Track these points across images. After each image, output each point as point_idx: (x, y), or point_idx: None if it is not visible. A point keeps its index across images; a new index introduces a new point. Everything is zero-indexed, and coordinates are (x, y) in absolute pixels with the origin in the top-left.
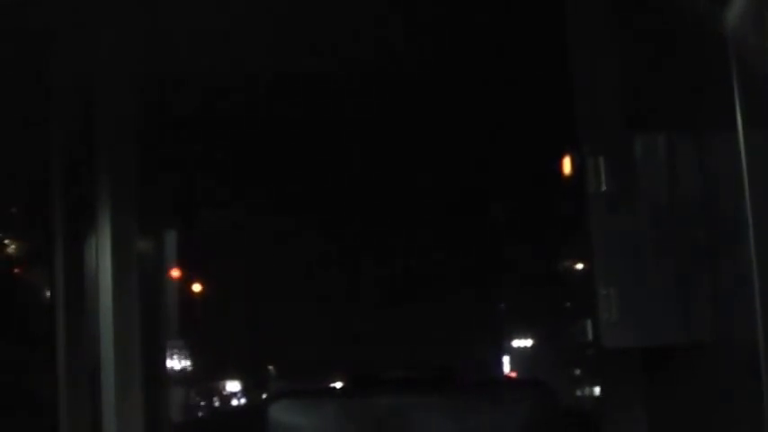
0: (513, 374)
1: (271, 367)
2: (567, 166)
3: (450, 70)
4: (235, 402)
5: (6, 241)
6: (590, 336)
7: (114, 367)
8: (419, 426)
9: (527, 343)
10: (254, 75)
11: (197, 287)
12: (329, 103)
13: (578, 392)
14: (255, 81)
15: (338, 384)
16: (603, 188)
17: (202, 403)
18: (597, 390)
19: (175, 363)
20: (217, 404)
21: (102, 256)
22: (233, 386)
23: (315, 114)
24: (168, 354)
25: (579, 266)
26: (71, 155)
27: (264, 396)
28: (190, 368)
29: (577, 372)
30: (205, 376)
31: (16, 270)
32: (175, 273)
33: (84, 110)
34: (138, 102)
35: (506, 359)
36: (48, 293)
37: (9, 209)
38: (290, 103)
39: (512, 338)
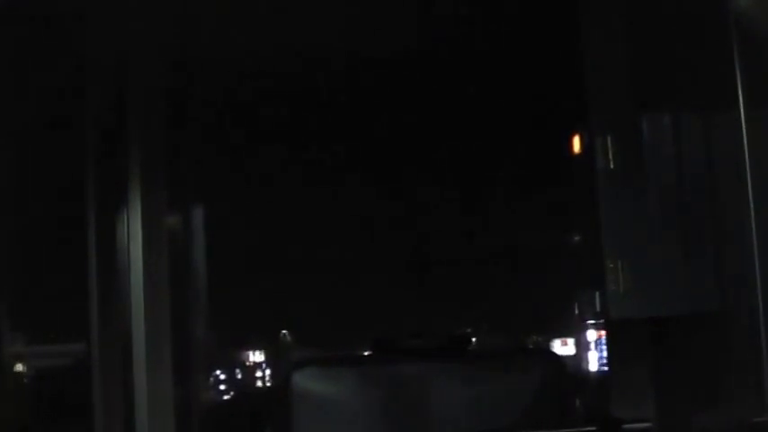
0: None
1: (287, 334)
2: (576, 143)
3: (463, 50)
4: (258, 372)
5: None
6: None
7: (145, 340)
8: (436, 392)
9: None
10: (285, 52)
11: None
12: (359, 83)
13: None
14: (287, 58)
15: (358, 352)
16: (612, 165)
17: (224, 375)
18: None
19: (200, 334)
20: (240, 375)
21: (132, 230)
22: (255, 356)
23: (344, 91)
24: (196, 326)
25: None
26: (103, 129)
27: (287, 365)
28: (213, 339)
29: None
30: (227, 346)
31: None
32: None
33: (117, 83)
34: (170, 75)
35: None
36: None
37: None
38: (318, 81)
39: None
